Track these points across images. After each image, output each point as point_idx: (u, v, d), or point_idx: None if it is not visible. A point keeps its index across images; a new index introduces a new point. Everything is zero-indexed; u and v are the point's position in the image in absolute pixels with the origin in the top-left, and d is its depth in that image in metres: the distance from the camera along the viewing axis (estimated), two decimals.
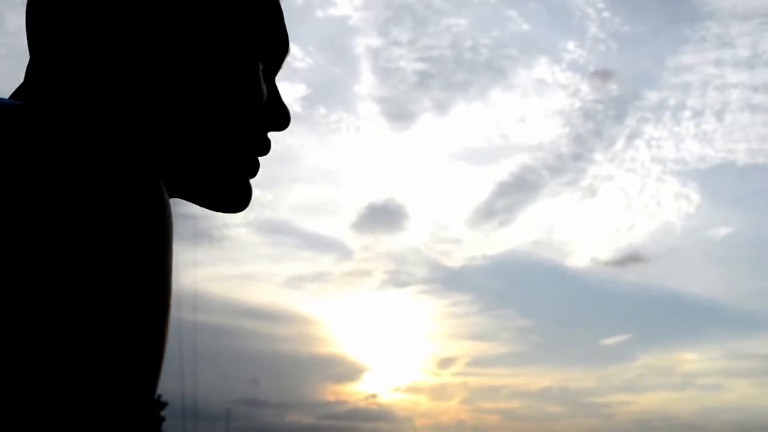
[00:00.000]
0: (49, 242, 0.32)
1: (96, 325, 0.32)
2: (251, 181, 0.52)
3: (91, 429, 0.32)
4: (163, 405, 20.53)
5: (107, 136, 0.40)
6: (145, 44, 0.43)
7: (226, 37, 0.47)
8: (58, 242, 0.32)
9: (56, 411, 0.31)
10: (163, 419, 20.74)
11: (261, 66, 0.50)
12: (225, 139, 0.47)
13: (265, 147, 0.51)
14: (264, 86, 0.50)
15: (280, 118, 0.52)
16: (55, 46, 0.42)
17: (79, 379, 0.32)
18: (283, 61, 0.54)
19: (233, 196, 0.50)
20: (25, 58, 0.44)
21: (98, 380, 0.32)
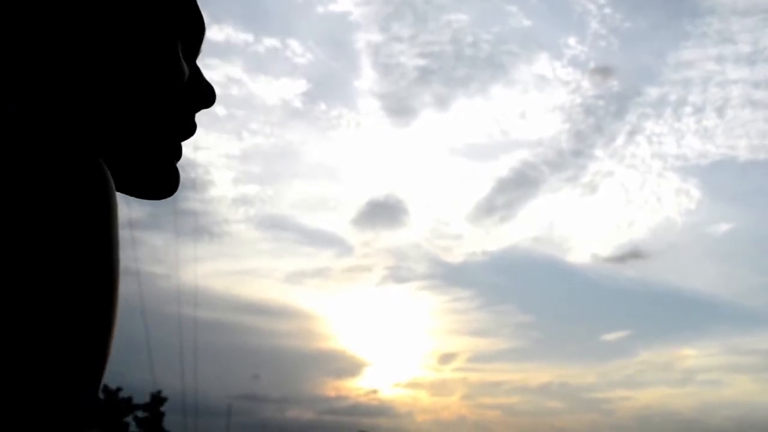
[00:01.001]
0: (6, 236, 0.32)
1: (47, 314, 0.32)
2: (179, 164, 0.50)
3: (37, 422, 0.31)
4: (162, 400, 20.58)
5: (55, 130, 0.39)
6: (66, 31, 0.43)
7: (140, 18, 0.46)
8: (12, 235, 0.32)
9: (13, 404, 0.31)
10: (162, 414, 20.79)
11: (180, 46, 0.49)
12: (148, 123, 0.46)
13: (189, 130, 0.50)
14: (185, 65, 0.49)
15: (205, 97, 0.50)
16: None
17: (21, 372, 0.31)
18: (201, 42, 0.52)
19: (160, 182, 0.48)
20: None
21: (43, 372, 0.32)
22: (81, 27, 0.43)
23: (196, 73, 0.50)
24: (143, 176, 0.47)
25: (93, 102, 0.43)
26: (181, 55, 0.48)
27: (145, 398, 20.51)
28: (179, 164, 0.50)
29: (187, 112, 0.49)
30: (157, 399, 20.43)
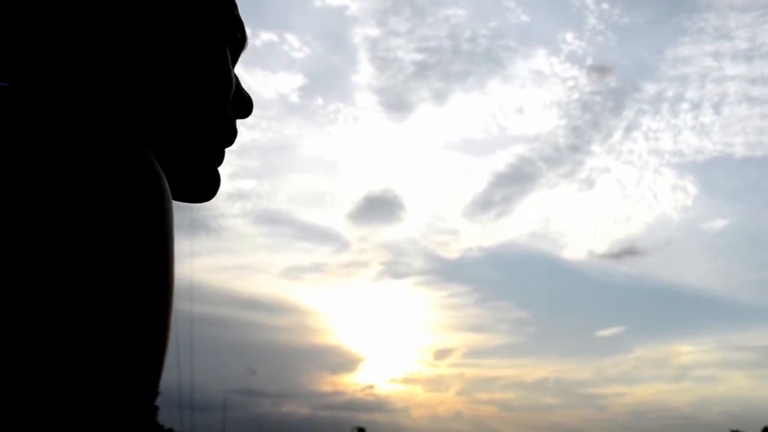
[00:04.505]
0: (48, 231, 0.31)
1: (101, 317, 0.31)
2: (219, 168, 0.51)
3: (98, 425, 0.31)
4: (156, 393, 20.55)
5: (98, 119, 0.39)
6: (117, 28, 0.43)
7: (197, 22, 0.46)
8: (56, 231, 0.31)
9: (60, 407, 0.30)
10: (157, 408, 20.76)
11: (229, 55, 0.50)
12: (197, 127, 0.46)
13: (232, 136, 0.50)
14: (234, 72, 0.50)
15: (244, 106, 0.51)
16: (29, 29, 0.42)
17: (83, 374, 0.31)
18: (242, 52, 0.53)
19: (203, 186, 0.48)
20: None
21: (103, 375, 0.31)
22: (136, 27, 0.44)
23: (237, 81, 0.51)
24: (189, 179, 0.47)
25: (143, 99, 0.43)
26: (230, 62, 0.49)
27: None
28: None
29: (232, 119, 0.50)
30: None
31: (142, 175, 0.35)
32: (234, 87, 0.49)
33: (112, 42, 0.42)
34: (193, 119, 0.45)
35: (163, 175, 0.36)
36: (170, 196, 0.36)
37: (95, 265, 0.32)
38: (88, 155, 0.33)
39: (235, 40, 0.50)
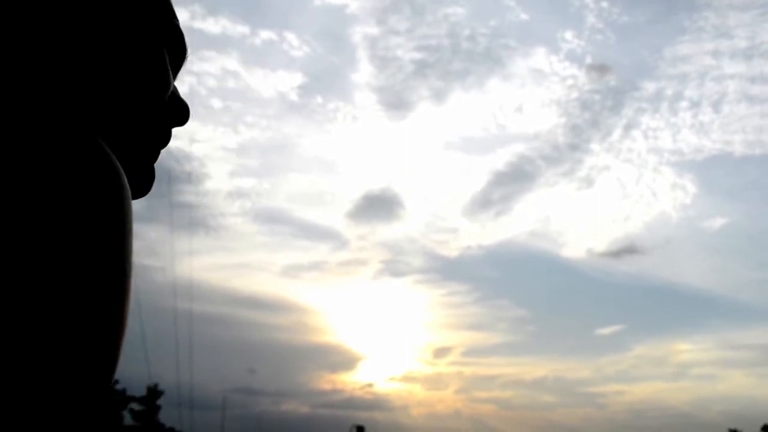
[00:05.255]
0: (28, 225, 0.32)
1: (57, 307, 0.32)
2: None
3: (54, 419, 0.31)
4: (159, 393, 20.57)
5: (65, 115, 0.40)
6: (70, 30, 0.44)
7: (134, 24, 0.48)
8: (18, 223, 0.32)
9: (18, 403, 0.31)
10: (159, 407, 20.79)
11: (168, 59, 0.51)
12: (136, 125, 0.47)
13: (165, 140, 0.51)
14: (171, 75, 0.50)
15: (181, 113, 0.52)
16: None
17: (38, 366, 0.31)
18: (182, 66, 0.54)
19: (139, 182, 0.50)
20: None
21: (60, 366, 0.32)
22: (76, 28, 0.45)
23: (174, 89, 0.52)
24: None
25: (91, 96, 0.44)
26: (169, 67, 0.50)
27: (141, 391, 20.55)
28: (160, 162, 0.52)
29: (166, 124, 0.51)
30: (153, 392, 20.44)
31: (103, 166, 0.36)
32: (170, 89, 0.50)
33: (67, 43, 0.44)
34: (132, 117, 0.47)
35: (119, 166, 0.37)
36: (127, 187, 0.37)
37: (58, 253, 0.32)
38: (56, 147, 0.34)
39: (175, 48, 0.52)
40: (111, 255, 0.34)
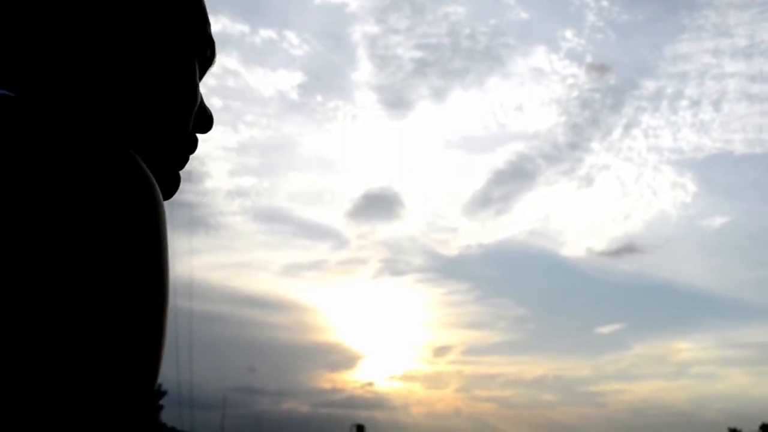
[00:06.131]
0: (47, 235, 0.32)
1: (97, 319, 0.32)
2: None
3: (94, 426, 0.32)
4: (162, 393, 20.58)
5: (94, 124, 0.40)
6: (102, 37, 0.45)
7: (166, 32, 0.48)
8: (55, 235, 0.32)
9: (60, 409, 0.31)
10: (161, 407, 20.79)
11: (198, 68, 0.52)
12: (166, 134, 0.48)
13: (194, 147, 0.52)
14: (198, 84, 0.51)
15: (206, 121, 0.53)
16: (27, 39, 0.44)
17: (80, 375, 0.31)
18: (209, 69, 0.55)
19: (165, 188, 0.50)
20: None
21: (100, 376, 0.32)
22: (117, 35, 0.45)
23: (201, 97, 0.53)
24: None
25: (123, 105, 0.45)
26: (198, 76, 0.51)
27: None
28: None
29: (193, 132, 0.52)
30: (156, 392, 20.43)
31: (136, 177, 0.36)
32: (198, 99, 0.51)
33: (98, 50, 0.44)
34: (162, 127, 0.47)
35: (152, 177, 0.37)
36: (161, 199, 0.37)
37: (97, 266, 0.32)
38: (90, 160, 0.34)
39: (204, 57, 0.52)
40: (148, 267, 0.35)
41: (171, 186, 0.51)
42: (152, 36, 0.47)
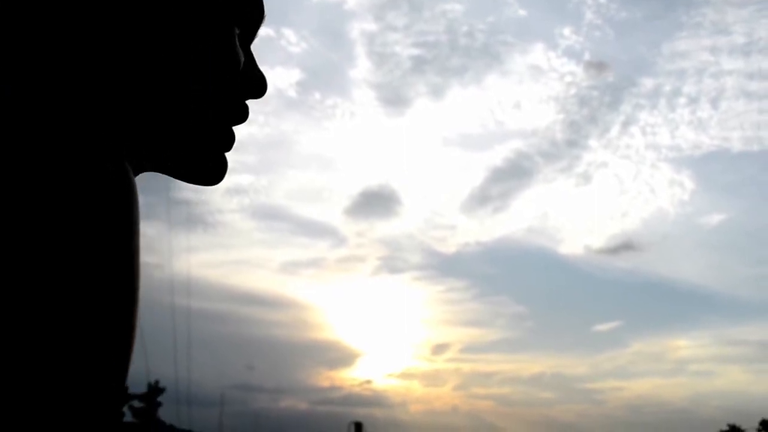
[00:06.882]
0: (46, 234, 0.32)
1: (67, 318, 0.32)
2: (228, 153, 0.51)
3: (70, 425, 0.31)
4: (160, 390, 20.59)
5: (93, 123, 0.40)
6: (115, 13, 0.42)
7: (199, 1, 0.45)
8: (55, 234, 0.32)
9: (41, 408, 0.31)
10: (160, 404, 20.80)
11: (237, 32, 0.48)
12: (201, 107, 0.45)
13: (242, 115, 0.49)
14: (240, 52, 0.48)
15: (257, 86, 0.50)
16: (27, 34, 0.41)
17: (53, 372, 0.31)
18: (259, 28, 0.51)
19: (209, 169, 0.48)
20: None
21: (72, 373, 0.32)
22: (136, 6, 0.43)
23: (251, 60, 0.50)
24: (195, 162, 0.47)
25: (142, 89, 0.43)
26: (237, 41, 0.48)
27: (141, 388, 20.57)
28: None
29: (240, 98, 0.49)
30: (155, 389, 20.46)
31: (119, 182, 0.35)
32: (240, 65, 0.48)
33: (113, 34, 0.42)
34: (194, 103, 0.45)
35: (133, 180, 0.37)
36: (137, 205, 0.37)
37: (89, 266, 0.32)
38: (88, 160, 0.34)
39: (249, 17, 0.49)
40: (119, 267, 0.34)
41: (217, 168, 0.48)
42: (181, 8, 0.44)
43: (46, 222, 0.32)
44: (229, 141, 0.49)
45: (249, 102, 0.51)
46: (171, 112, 0.44)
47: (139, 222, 0.36)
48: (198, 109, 0.45)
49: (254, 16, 0.50)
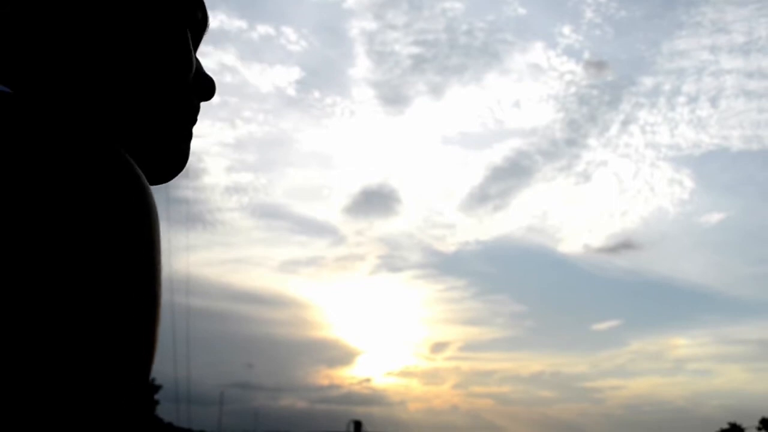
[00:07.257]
0: (49, 234, 0.32)
1: (89, 318, 0.32)
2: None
3: (87, 425, 0.31)
4: (157, 388, 20.57)
5: (90, 120, 0.40)
6: (95, 24, 0.44)
7: (156, 4, 0.47)
8: (57, 233, 0.32)
9: (51, 409, 0.31)
10: (157, 402, 20.78)
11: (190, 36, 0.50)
12: (160, 109, 0.46)
13: (194, 116, 0.50)
14: (194, 54, 0.49)
15: (206, 89, 0.51)
16: (26, 34, 0.43)
17: (72, 375, 0.31)
18: (204, 34, 0.53)
19: (169, 165, 0.49)
20: None
21: (93, 375, 0.32)
22: (93, 12, 0.44)
23: (198, 63, 0.52)
24: (155, 159, 0.48)
25: (106, 88, 0.43)
26: (191, 44, 0.49)
27: None
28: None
29: (192, 100, 0.50)
30: (151, 387, 20.45)
31: (128, 177, 0.35)
32: (194, 69, 0.50)
33: (93, 38, 0.43)
34: (156, 102, 0.46)
35: (148, 186, 0.37)
36: (153, 198, 0.37)
37: (96, 265, 0.32)
38: (83, 159, 0.34)
39: (196, 21, 0.51)
40: (141, 266, 0.34)
41: (178, 161, 0.49)
42: (139, 9, 0.46)
43: (67, 218, 0.32)
44: (187, 137, 0.50)
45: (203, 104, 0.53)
46: (131, 107, 0.45)
47: (157, 214, 0.37)
48: (159, 109, 0.46)
49: (200, 20, 0.52)
